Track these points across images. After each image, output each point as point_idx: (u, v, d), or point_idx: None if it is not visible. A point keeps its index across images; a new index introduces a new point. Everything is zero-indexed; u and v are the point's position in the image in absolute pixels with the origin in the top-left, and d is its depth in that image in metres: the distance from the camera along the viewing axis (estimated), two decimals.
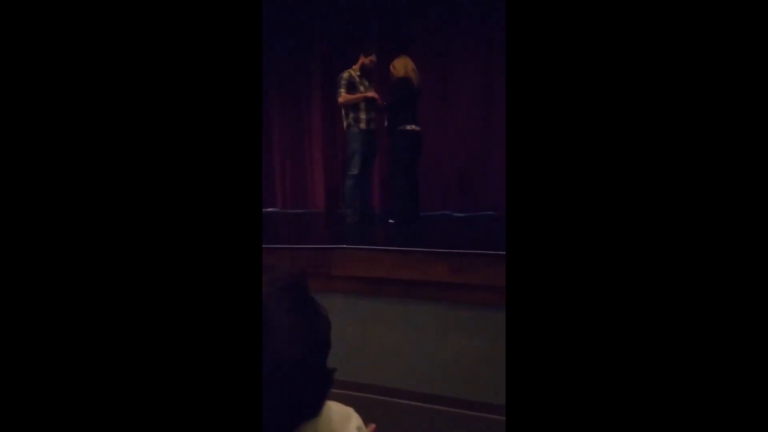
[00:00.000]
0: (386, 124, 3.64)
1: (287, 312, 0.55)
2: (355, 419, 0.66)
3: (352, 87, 3.59)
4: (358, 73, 3.66)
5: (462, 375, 2.48)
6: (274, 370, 0.52)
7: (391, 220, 3.74)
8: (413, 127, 3.51)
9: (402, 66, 3.54)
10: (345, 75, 3.60)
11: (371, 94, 3.59)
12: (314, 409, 0.58)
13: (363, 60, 3.67)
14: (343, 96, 3.56)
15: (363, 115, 3.61)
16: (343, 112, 3.67)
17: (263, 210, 5.34)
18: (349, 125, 3.65)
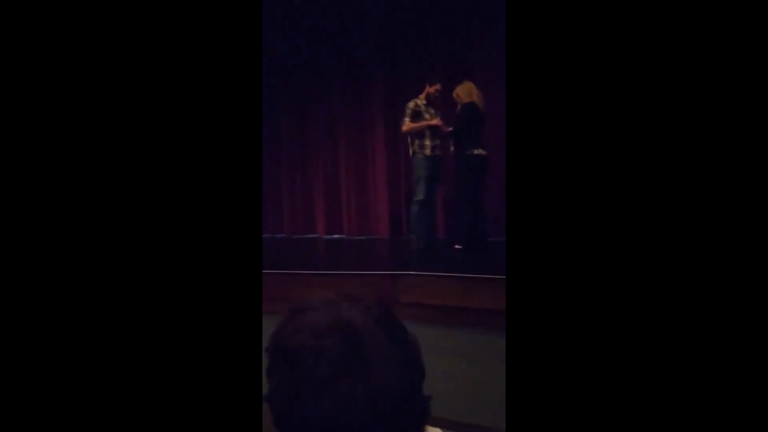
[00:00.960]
0: (452, 149, 3.66)
1: (384, 343, 0.54)
2: None
3: (417, 116, 3.66)
4: (424, 102, 3.73)
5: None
6: (377, 402, 0.51)
7: (457, 246, 3.70)
8: (479, 151, 3.49)
9: (465, 92, 3.56)
10: (411, 105, 3.69)
11: (434, 122, 3.64)
12: None
13: (428, 89, 3.75)
14: (407, 125, 3.65)
15: (428, 142, 3.66)
16: (409, 140, 3.75)
17: (328, 236, 5.48)
18: (414, 152, 3.71)
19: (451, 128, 3.65)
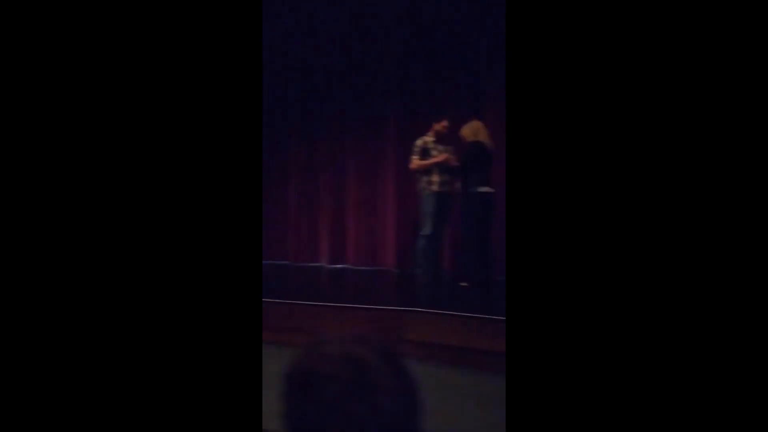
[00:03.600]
0: (459, 186, 3.69)
1: (389, 375, 0.58)
2: None
3: (425, 153, 3.72)
4: (432, 139, 3.78)
5: None
6: (382, 425, 0.55)
7: (463, 283, 3.69)
8: (485, 189, 3.52)
9: (471, 131, 3.62)
10: (419, 142, 3.75)
11: (441, 158, 3.68)
12: None
13: (436, 126, 3.81)
14: (415, 162, 3.72)
15: (436, 178, 3.70)
16: (418, 176, 3.80)
17: (334, 266, 5.48)
18: (422, 188, 3.75)
19: (457, 164, 3.69)
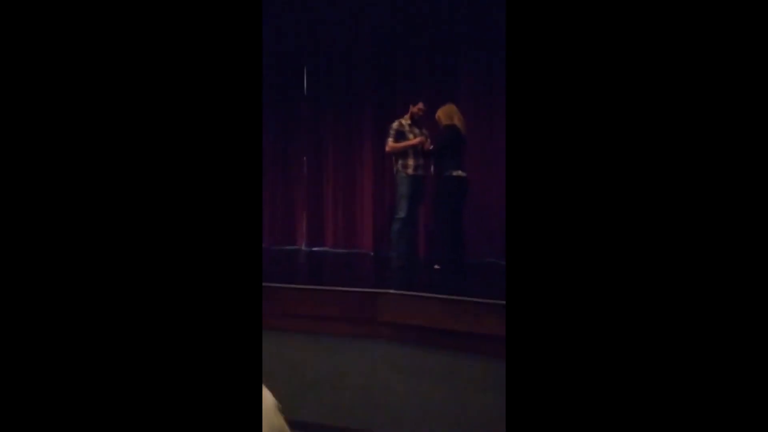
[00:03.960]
0: (433, 169, 3.71)
1: None
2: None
3: (400, 136, 3.72)
4: (408, 122, 3.78)
5: None
6: None
7: (436, 266, 3.74)
8: (459, 173, 3.55)
9: (446, 114, 3.63)
10: (394, 125, 3.75)
11: (415, 141, 3.69)
12: None
13: (412, 109, 3.80)
14: (390, 145, 3.72)
15: (411, 161, 3.71)
16: (393, 158, 3.80)
17: (312, 249, 5.48)
18: (397, 170, 3.76)
19: (432, 147, 3.71)
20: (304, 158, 5.57)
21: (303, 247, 5.57)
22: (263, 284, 3.29)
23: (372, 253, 5.07)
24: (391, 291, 3.00)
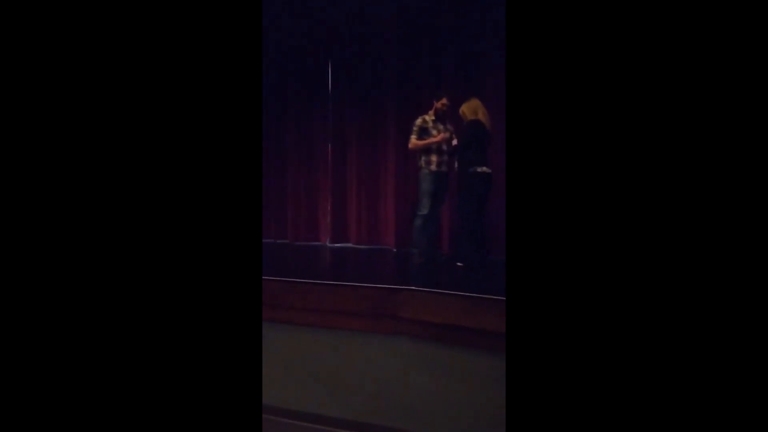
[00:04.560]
0: (456, 166, 3.66)
1: None
2: None
3: (424, 132, 3.68)
4: (432, 118, 3.75)
5: None
6: None
7: (459, 263, 3.69)
8: (484, 169, 3.49)
9: (471, 109, 3.57)
10: (418, 121, 3.71)
11: (440, 138, 3.65)
12: None
13: (435, 105, 3.77)
14: (413, 142, 3.69)
15: (434, 158, 3.68)
16: (417, 155, 3.77)
17: (334, 245, 5.51)
18: (420, 167, 3.73)
19: (456, 143, 3.66)
20: (329, 154, 5.60)
21: (327, 244, 5.61)
22: (285, 279, 3.32)
23: (395, 250, 5.05)
24: (412, 287, 2.98)
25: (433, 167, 3.68)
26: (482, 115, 3.56)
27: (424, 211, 3.69)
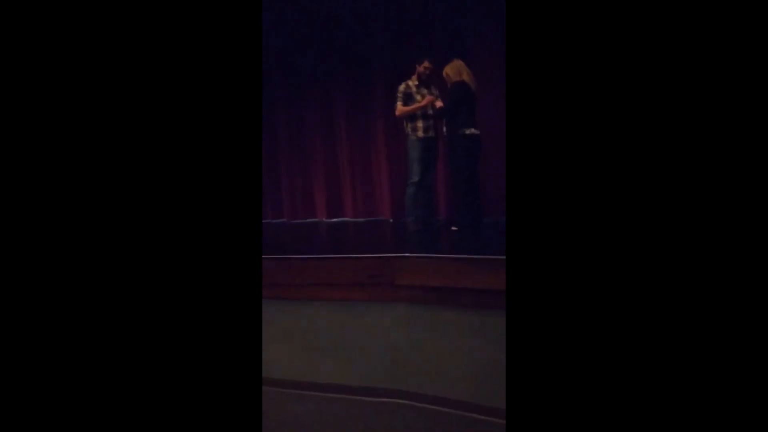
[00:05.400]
0: (444, 129, 3.62)
1: None
2: None
3: (408, 98, 3.63)
4: (416, 83, 3.69)
5: None
6: None
7: (454, 228, 3.71)
8: (472, 131, 3.46)
9: (454, 70, 3.50)
10: (401, 87, 3.66)
11: (425, 101, 3.60)
12: None
13: (418, 69, 3.70)
14: (399, 109, 3.64)
15: (420, 123, 3.64)
16: (404, 122, 3.73)
17: (332, 220, 5.52)
18: (408, 134, 3.70)
19: (442, 106, 3.61)
20: (319, 129, 5.55)
21: (324, 219, 5.62)
22: (284, 257, 3.34)
23: (391, 220, 5.07)
24: (408, 254, 3.00)
25: (420, 133, 3.64)
26: (467, 76, 3.50)
27: (415, 178, 3.67)
